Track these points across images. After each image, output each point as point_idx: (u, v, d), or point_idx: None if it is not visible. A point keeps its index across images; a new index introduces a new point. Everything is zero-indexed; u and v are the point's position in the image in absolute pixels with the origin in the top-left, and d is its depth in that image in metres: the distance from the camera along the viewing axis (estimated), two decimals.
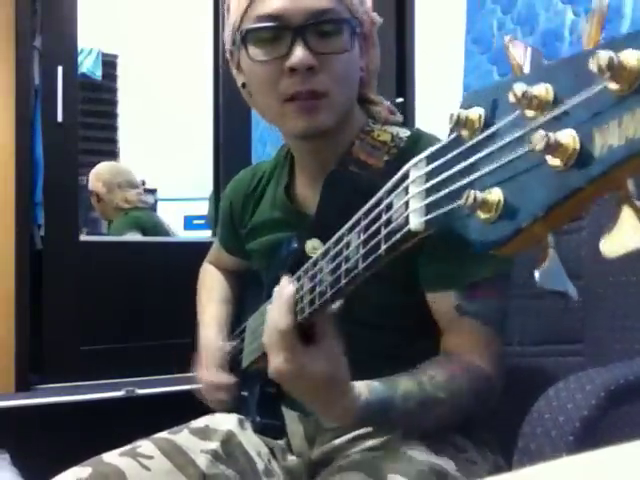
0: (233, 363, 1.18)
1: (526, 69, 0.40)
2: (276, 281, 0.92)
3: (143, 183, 3.36)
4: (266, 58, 0.88)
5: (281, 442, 1.06)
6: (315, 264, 0.69)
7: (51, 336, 2.19)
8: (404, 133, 0.97)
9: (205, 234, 3.97)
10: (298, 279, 0.76)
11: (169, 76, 5.11)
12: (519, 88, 0.38)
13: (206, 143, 2.84)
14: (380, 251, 0.55)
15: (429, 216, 0.47)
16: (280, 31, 0.86)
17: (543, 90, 0.37)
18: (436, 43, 2.41)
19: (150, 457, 0.97)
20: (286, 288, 0.73)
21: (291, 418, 1.05)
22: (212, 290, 1.33)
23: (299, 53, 0.84)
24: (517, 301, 1.19)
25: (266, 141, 2.74)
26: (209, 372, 1.15)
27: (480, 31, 1.73)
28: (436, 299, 0.91)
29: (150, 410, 1.81)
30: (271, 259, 1.02)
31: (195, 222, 4.62)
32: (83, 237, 2.50)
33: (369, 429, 0.96)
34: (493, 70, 1.67)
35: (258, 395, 1.08)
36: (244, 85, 0.97)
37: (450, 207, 0.44)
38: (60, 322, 2.20)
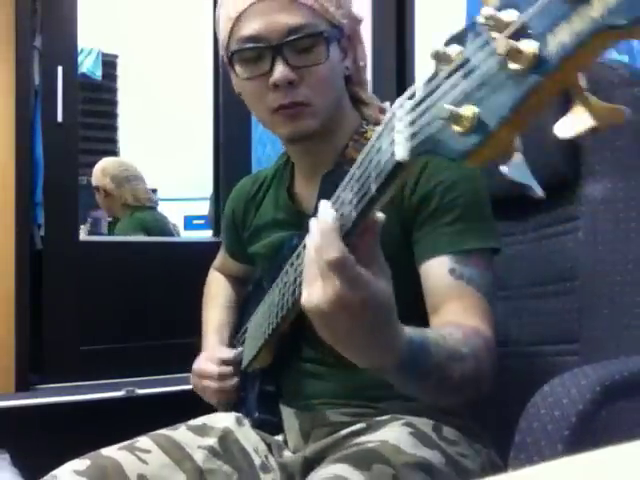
0: (234, 365, 1.19)
1: (495, 1, 0.44)
2: (278, 277, 0.94)
3: (143, 180, 3.31)
4: (251, 76, 0.97)
5: (278, 438, 1.08)
6: None
7: (51, 336, 2.19)
8: None
9: (205, 234, 3.98)
10: (297, 256, 0.81)
11: (169, 76, 5.13)
12: (486, 11, 0.42)
13: (206, 143, 2.84)
14: (371, 192, 0.59)
15: (412, 142, 0.51)
16: (261, 50, 0.95)
17: (507, 13, 0.42)
18: (436, 42, 2.41)
19: (148, 451, 0.99)
20: (327, 214, 0.66)
21: (288, 414, 1.06)
22: (216, 297, 1.35)
23: (279, 70, 0.93)
24: (514, 302, 1.19)
25: (266, 142, 2.75)
26: (197, 364, 1.18)
27: None
28: (429, 267, 0.92)
29: (150, 410, 1.81)
30: (273, 259, 1.04)
31: (195, 222, 4.62)
32: (83, 237, 2.50)
33: (363, 425, 0.97)
34: None
35: (257, 392, 1.10)
36: (240, 94, 1.06)
37: (431, 130, 0.48)
38: (60, 322, 2.20)
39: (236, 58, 0.98)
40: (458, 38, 0.47)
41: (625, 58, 1.19)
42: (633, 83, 1.04)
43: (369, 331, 0.66)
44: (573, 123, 0.40)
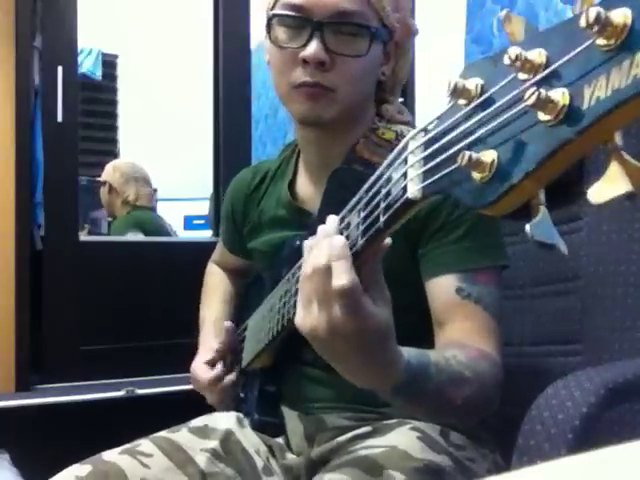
0: (232, 362, 1.19)
1: (521, 37, 0.42)
2: (278, 281, 0.92)
3: (150, 185, 3.35)
4: (285, 45, 0.93)
5: (280, 440, 1.06)
6: None
7: (51, 336, 2.18)
8: (408, 131, 0.97)
9: (205, 234, 3.97)
10: (299, 268, 0.77)
11: (169, 76, 5.11)
12: (513, 51, 0.39)
13: (206, 143, 2.83)
14: (379, 224, 0.57)
15: (425, 182, 0.49)
16: (302, 22, 0.91)
17: (536, 53, 0.39)
18: (436, 43, 2.41)
19: (150, 455, 0.97)
20: (337, 239, 0.63)
21: (291, 417, 1.05)
22: (214, 290, 1.33)
23: (313, 47, 0.89)
24: (517, 302, 1.19)
25: (266, 141, 2.75)
26: (203, 370, 1.17)
27: (480, 31, 1.73)
28: (436, 285, 0.90)
29: (150, 410, 1.81)
30: (273, 258, 1.03)
31: (195, 222, 4.62)
32: (83, 237, 2.50)
33: (369, 428, 0.96)
34: None
35: (257, 393, 1.09)
36: (269, 62, 1.01)
37: (446, 171, 0.46)
38: (60, 322, 2.20)
39: (275, 22, 0.94)
40: (478, 71, 0.44)
41: None
42: None
43: (365, 355, 0.66)
44: (608, 187, 0.37)
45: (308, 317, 0.65)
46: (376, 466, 0.85)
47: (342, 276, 0.60)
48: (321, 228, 0.66)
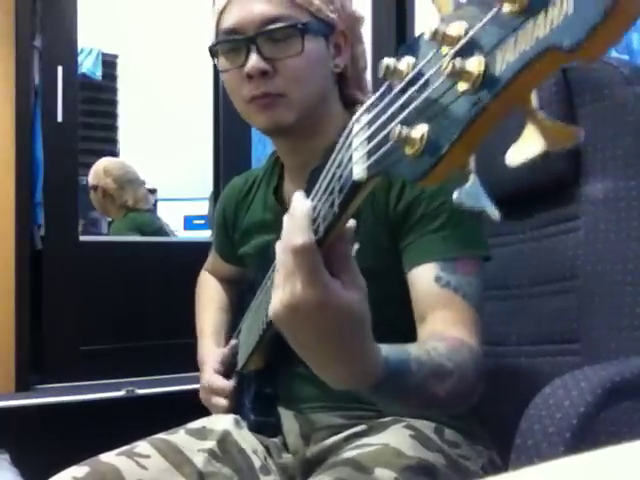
0: (230, 367, 1.19)
1: (448, 10, 0.43)
2: (262, 280, 0.93)
3: (143, 183, 3.31)
4: (229, 67, 0.97)
5: (276, 440, 1.07)
6: None
7: (51, 336, 2.18)
8: None
9: (205, 234, 3.97)
10: None
11: (169, 76, 5.11)
12: (433, 27, 0.41)
13: (206, 143, 2.84)
14: (334, 209, 0.57)
15: (369, 162, 0.50)
16: (237, 42, 0.96)
17: (456, 26, 0.40)
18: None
19: (147, 456, 0.97)
20: (301, 203, 0.64)
21: (287, 417, 1.06)
22: (209, 299, 1.35)
23: (252, 60, 0.93)
24: (514, 301, 1.19)
25: (266, 141, 2.74)
26: (207, 379, 1.17)
27: None
28: (416, 275, 0.90)
29: (150, 410, 1.81)
30: (261, 261, 1.04)
31: (195, 222, 4.62)
32: (83, 237, 2.50)
33: (364, 426, 0.96)
34: None
35: (253, 394, 1.09)
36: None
37: (384, 149, 0.47)
38: (60, 322, 2.20)
39: (217, 51, 0.99)
40: (411, 49, 0.46)
41: (625, 57, 1.19)
42: (633, 81, 1.04)
43: (334, 341, 0.63)
44: (525, 148, 0.38)
45: (276, 301, 0.62)
46: (367, 464, 0.85)
47: (296, 234, 0.59)
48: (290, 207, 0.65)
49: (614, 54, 1.29)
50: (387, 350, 0.68)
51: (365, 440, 0.93)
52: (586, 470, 0.31)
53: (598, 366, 0.84)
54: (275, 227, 1.06)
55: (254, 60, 0.93)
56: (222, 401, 1.14)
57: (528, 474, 0.32)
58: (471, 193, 0.42)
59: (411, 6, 2.28)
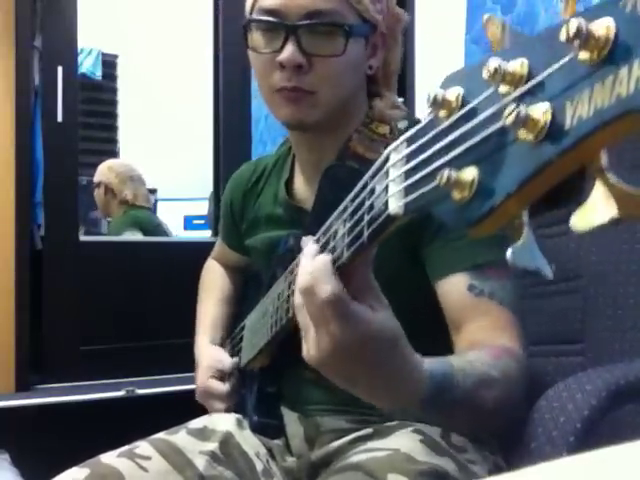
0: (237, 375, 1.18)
1: (504, 45, 0.39)
2: (273, 280, 0.92)
3: (145, 184, 3.34)
4: (262, 50, 0.92)
5: (279, 442, 1.05)
6: None
7: (51, 336, 2.18)
8: (402, 124, 0.97)
9: (205, 234, 3.97)
10: (291, 272, 0.76)
11: (169, 76, 5.11)
12: (492, 63, 0.37)
13: (206, 143, 2.84)
14: (363, 239, 0.55)
15: (407, 199, 0.47)
16: (276, 26, 0.90)
17: (517, 64, 0.37)
18: (436, 43, 2.41)
19: (148, 458, 0.96)
20: (318, 256, 0.61)
21: (291, 419, 1.04)
22: (212, 289, 1.33)
23: (289, 51, 0.88)
24: None
25: (266, 141, 2.74)
26: (204, 382, 1.16)
27: (480, 31, 1.73)
28: (447, 285, 0.87)
29: (150, 410, 1.81)
30: (269, 257, 1.02)
31: (195, 222, 4.62)
32: (83, 237, 2.50)
33: (369, 430, 0.96)
34: None
35: (256, 394, 1.07)
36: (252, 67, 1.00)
37: (426, 189, 0.43)
38: (60, 322, 2.20)
39: (251, 28, 0.93)
40: (459, 80, 0.42)
41: None
42: None
43: (377, 367, 0.62)
44: (592, 213, 0.33)
45: (312, 346, 0.62)
46: (379, 470, 0.83)
47: (322, 287, 0.59)
48: (302, 253, 0.64)
49: None
50: (430, 364, 0.67)
51: (371, 444, 0.92)
52: (586, 470, 0.31)
53: (602, 369, 0.83)
54: (285, 223, 1.05)
55: (291, 51, 0.88)
56: (220, 405, 1.13)
57: (528, 474, 0.32)
58: (525, 251, 0.39)
59: (411, 6, 2.27)
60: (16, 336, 2.01)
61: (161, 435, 1.03)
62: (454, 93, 0.42)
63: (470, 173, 0.39)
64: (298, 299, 0.63)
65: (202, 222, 4.46)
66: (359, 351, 0.60)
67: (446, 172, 0.40)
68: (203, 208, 4.29)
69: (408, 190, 0.47)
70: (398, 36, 1.01)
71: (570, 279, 1.08)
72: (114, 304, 2.29)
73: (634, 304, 0.98)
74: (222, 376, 1.15)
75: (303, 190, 1.05)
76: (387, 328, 0.61)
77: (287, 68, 0.89)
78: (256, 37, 0.93)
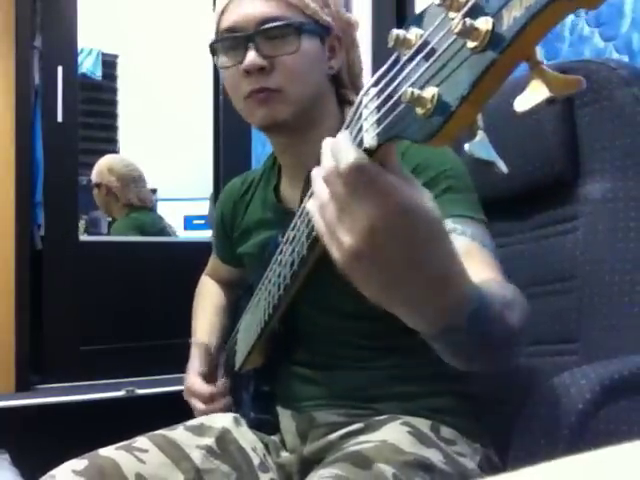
0: (227, 368, 1.20)
1: None
2: (261, 279, 0.94)
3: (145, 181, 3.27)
4: (228, 65, 1.00)
5: (275, 438, 1.08)
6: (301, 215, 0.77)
7: (51, 336, 2.19)
8: None
9: (205, 234, 3.97)
10: (281, 252, 0.81)
11: (169, 76, 5.11)
12: None
13: (206, 143, 2.84)
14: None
15: (378, 129, 0.51)
16: (236, 40, 0.99)
17: None
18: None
19: (145, 451, 0.99)
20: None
21: (284, 415, 1.07)
22: (207, 303, 1.37)
23: (250, 57, 0.96)
24: None
25: (266, 141, 2.74)
26: (188, 381, 1.21)
27: None
28: None
29: (150, 410, 1.81)
30: (260, 258, 1.05)
31: (195, 222, 4.61)
32: (83, 237, 2.50)
33: (361, 424, 0.97)
34: None
35: (252, 392, 1.11)
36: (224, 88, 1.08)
37: (394, 114, 0.48)
38: (60, 322, 2.20)
39: (216, 50, 1.02)
40: (417, 21, 0.47)
41: (625, 58, 1.19)
42: (633, 82, 1.04)
43: (425, 261, 0.54)
44: (531, 96, 0.41)
45: (345, 238, 0.53)
46: (366, 460, 0.85)
47: (347, 154, 0.52)
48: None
49: (614, 55, 1.29)
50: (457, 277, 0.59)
51: (362, 438, 0.94)
52: (585, 470, 0.31)
53: (597, 364, 0.84)
54: (275, 225, 1.08)
55: (252, 56, 0.96)
56: (200, 405, 1.18)
57: (528, 474, 0.32)
58: (482, 146, 0.45)
59: (411, 7, 2.28)
60: (16, 336, 2.01)
61: (159, 431, 1.05)
62: (414, 32, 0.47)
63: (430, 91, 0.44)
64: (312, 204, 0.57)
65: (202, 222, 4.46)
66: (402, 232, 0.52)
67: (409, 90, 0.45)
68: (203, 208, 4.29)
69: (379, 122, 0.51)
70: (355, 39, 1.09)
71: (565, 279, 1.09)
72: (114, 304, 2.29)
73: (629, 303, 0.98)
74: (210, 377, 1.20)
75: (290, 193, 1.09)
76: (431, 204, 0.54)
77: (251, 73, 0.96)
78: (221, 57, 1.01)
